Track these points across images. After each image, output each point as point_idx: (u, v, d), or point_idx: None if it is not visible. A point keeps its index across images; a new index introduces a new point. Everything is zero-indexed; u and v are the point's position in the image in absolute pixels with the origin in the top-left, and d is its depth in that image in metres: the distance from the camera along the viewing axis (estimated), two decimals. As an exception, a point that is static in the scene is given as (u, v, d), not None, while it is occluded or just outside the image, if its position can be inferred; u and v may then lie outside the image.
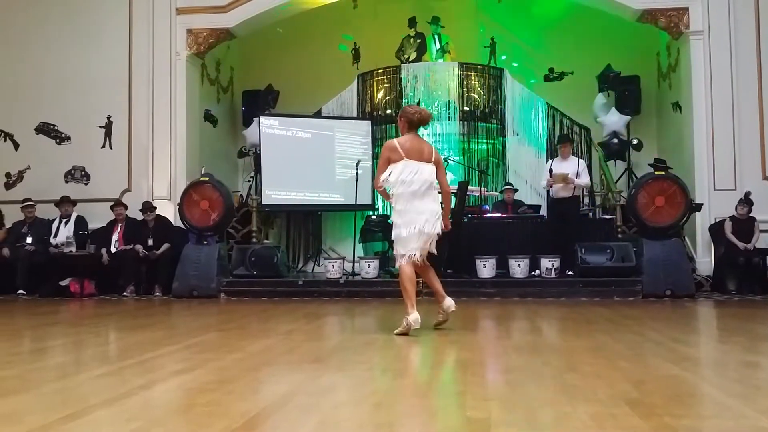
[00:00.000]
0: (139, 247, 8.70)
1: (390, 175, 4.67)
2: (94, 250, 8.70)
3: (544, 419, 2.49)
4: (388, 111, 10.53)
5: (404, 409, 2.61)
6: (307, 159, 9.78)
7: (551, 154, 9.79)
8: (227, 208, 8.68)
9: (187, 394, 2.87)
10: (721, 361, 3.83)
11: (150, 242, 8.77)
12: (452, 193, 8.52)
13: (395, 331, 4.71)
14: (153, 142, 9.82)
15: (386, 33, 11.31)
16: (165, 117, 9.81)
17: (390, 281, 7.84)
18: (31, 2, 10.17)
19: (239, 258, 8.55)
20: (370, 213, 9.94)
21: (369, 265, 8.32)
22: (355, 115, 10.62)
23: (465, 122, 10.22)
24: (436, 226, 4.73)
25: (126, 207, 9.14)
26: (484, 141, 10.30)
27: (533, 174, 10.05)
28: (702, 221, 8.94)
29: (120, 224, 9.02)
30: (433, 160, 4.75)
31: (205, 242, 8.51)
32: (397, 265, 4.88)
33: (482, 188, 9.49)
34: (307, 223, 10.58)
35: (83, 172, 9.99)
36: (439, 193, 4.93)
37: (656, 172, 8.19)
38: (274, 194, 9.66)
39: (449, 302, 4.81)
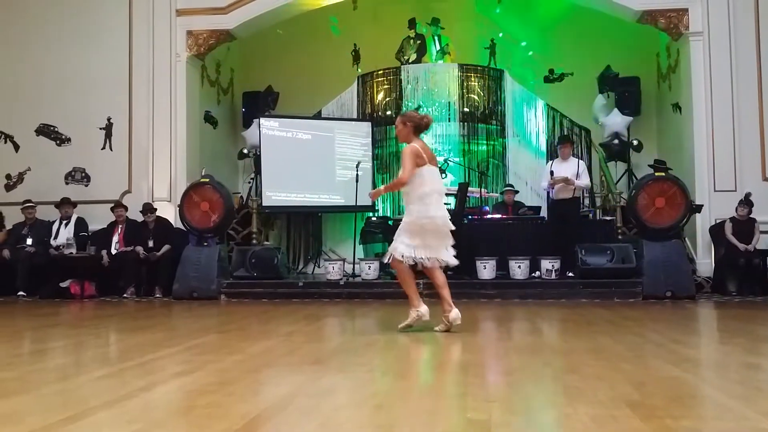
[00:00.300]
0: (140, 249, 8.70)
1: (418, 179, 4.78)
2: (95, 251, 8.70)
3: (545, 421, 2.49)
4: (388, 112, 10.54)
5: (405, 410, 2.61)
6: (308, 160, 9.78)
7: (551, 155, 9.79)
8: (227, 210, 8.68)
9: (188, 396, 2.87)
10: (722, 363, 3.82)
11: (150, 244, 8.77)
12: (451, 194, 8.67)
13: (400, 326, 4.84)
14: (153, 143, 9.83)
15: (386, 34, 11.32)
16: (165, 118, 9.82)
17: (390, 283, 7.83)
18: (31, 3, 10.18)
19: (239, 259, 8.54)
20: (371, 214, 9.94)
21: (369, 266, 8.31)
22: (355, 116, 10.63)
23: (465, 123, 10.22)
24: (448, 233, 4.91)
25: (126, 208, 9.14)
26: (484, 142, 10.30)
27: (533, 175, 10.05)
28: (702, 222, 8.94)
29: (120, 226, 9.02)
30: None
31: (205, 244, 8.51)
32: (386, 259, 4.98)
33: (482, 189, 9.49)
34: (307, 225, 10.58)
35: (83, 174, 10.00)
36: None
37: (656, 174, 8.19)
38: (274, 196, 9.66)
39: (455, 314, 4.75)
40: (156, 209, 9.07)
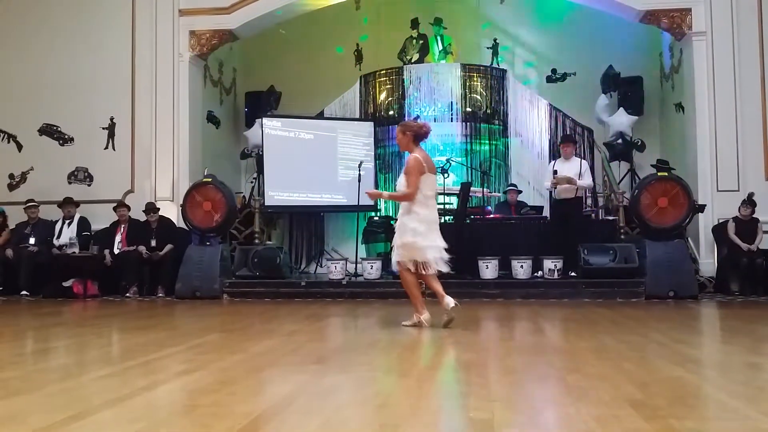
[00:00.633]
0: (142, 248, 8.70)
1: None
2: (97, 251, 8.71)
3: (548, 420, 2.49)
4: (391, 112, 10.54)
5: (408, 410, 2.61)
6: (310, 160, 9.78)
7: (554, 155, 9.78)
8: (230, 209, 8.69)
9: (190, 395, 2.88)
10: (725, 363, 3.82)
11: (153, 243, 8.78)
12: (454, 194, 8.69)
13: (404, 322, 5.06)
14: (156, 143, 9.83)
15: (389, 34, 11.31)
16: (168, 118, 9.82)
17: (393, 282, 7.82)
18: (33, 4, 10.19)
19: (242, 259, 8.55)
20: (373, 214, 9.94)
21: (371, 266, 8.31)
22: (357, 116, 10.63)
23: (467, 123, 10.22)
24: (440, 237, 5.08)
25: (129, 208, 9.15)
26: (487, 142, 10.29)
27: (535, 175, 10.04)
28: (705, 222, 8.92)
29: (123, 225, 9.03)
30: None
31: (207, 243, 8.51)
32: (394, 267, 5.22)
33: (485, 189, 9.49)
34: (309, 224, 10.58)
35: (86, 173, 10.01)
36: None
37: (659, 173, 8.18)
38: (276, 195, 9.66)
39: (449, 300, 4.91)
40: (159, 209, 9.07)
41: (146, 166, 9.85)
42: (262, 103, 10.93)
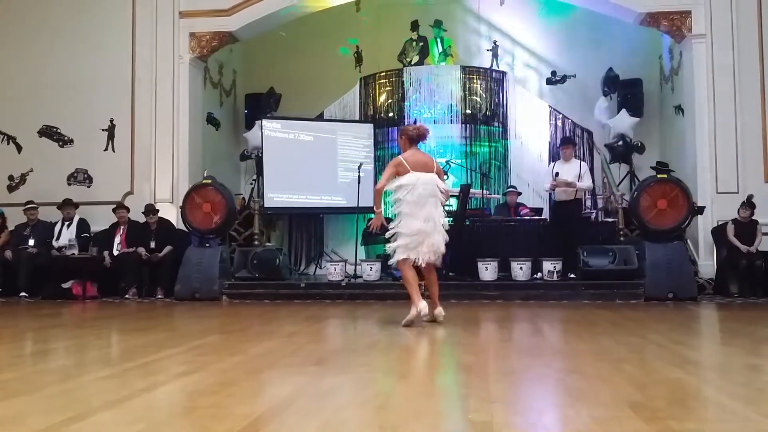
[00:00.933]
0: (142, 250, 8.70)
1: (396, 184, 5.21)
2: (97, 252, 8.71)
3: (547, 422, 2.49)
4: (390, 114, 10.55)
5: (407, 411, 2.61)
6: (310, 162, 9.79)
7: (553, 157, 9.79)
8: (229, 211, 8.69)
9: (190, 397, 2.87)
10: (725, 365, 3.82)
11: (152, 245, 8.78)
12: (453, 195, 8.69)
13: (403, 321, 5.12)
14: (155, 144, 9.84)
15: (389, 36, 11.32)
16: (167, 120, 9.83)
17: (392, 284, 7.84)
18: (33, 5, 10.20)
19: (241, 260, 8.55)
20: (372, 216, 9.92)
21: (371, 267, 8.31)
22: (357, 118, 10.63)
23: (467, 125, 10.23)
24: (441, 233, 5.26)
25: (128, 210, 9.15)
26: (486, 144, 10.30)
27: (535, 177, 10.04)
28: (704, 224, 8.93)
29: (122, 227, 9.03)
30: (435, 170, 5.35)
31: (207, 245, 8.51)
32: (392, 262, 5.45)
33: (484, 191, 9.49)
34: (309, 226, 10.59)
35: (86, 175, 10.01)
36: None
37: (659, 175, 8.18)
38: (276, 197, 9.66)
39: (439, 311, 5.27)
40: (158, 210, 9.08)
41: (146, 168, 9.85)
42: (262, 105, 10.95)
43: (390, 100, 10.61)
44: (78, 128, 10.02)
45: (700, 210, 8.61)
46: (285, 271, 8.71)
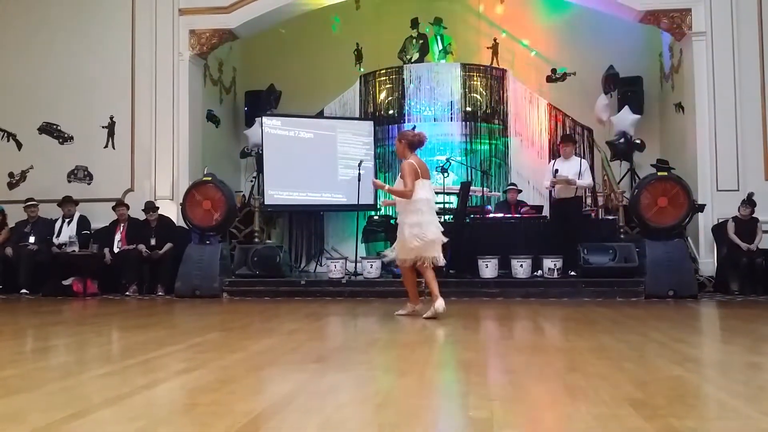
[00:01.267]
0: (142, 247, 8.71)
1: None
2: (97, 249, 8.71)
3: (547, 420, 2.49)
4: (391, 111, 10.55)
5: (407, 409, 2.61)
6: (310, 159, 9.78)
7: (554, 154, 9.78)
8: (230, 208, 8.69)
9: (190, 394, 2.88)
10: (725, 362, 3.82)
11: (153, 242, 8.78)
12: (454, 193, 8.71)
13: (398, 312, 5.65)
14: (156, 142, 9.84)
15: (389, 34, 11.31)
16: (168, 117, 9.82)
17: (392, 281, 7.84)
18: (33, 4, 10.19)
19: (242, 258, 8.55)
20: (372, 213, 9.94)
21: (371, 265, 8.31)
22: (357, 115, 10.62)
23: (467, 123, 10.22)
24: (439, 234, 5.54)
25: (128, 207, 9.15)
26: (487, 141, 10.29)
27: (535, 175, 10.03)
28: (705, 222, 8.92)
29: (122, 224, 9.03)
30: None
31: (207, 242, 8.52)
32: (392, 261, 5.82)
33: (485, 189, 9.49)
34: (309, 223, 10.58)
35: (86, 172, 10.01)
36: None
37: (659, 173, 8.18)
38: (276, 194, 9.66)
39: (440, 304, 5.39)
40: (158, 208, 9.08)
41: (146, 165, 9.85)
42: (262, 102, 10.93)
43: (390, 98, 10.60)
44: (78, 125, 10.02)
45: (701, 207, 8.61)
46: (285, 268, 8.72)
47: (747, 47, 9.09)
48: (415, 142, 5.61)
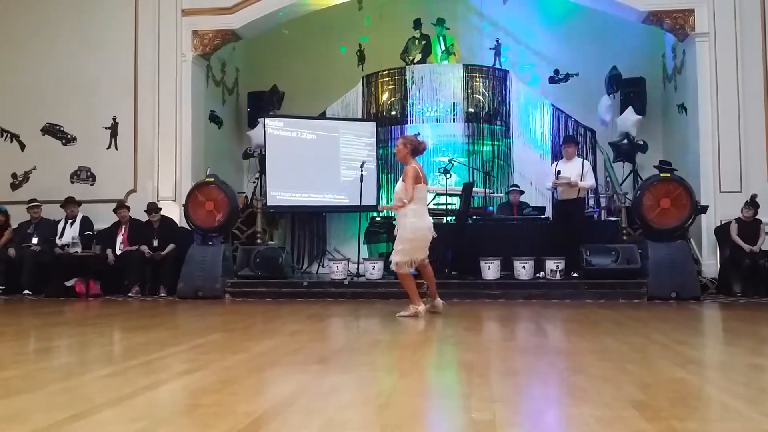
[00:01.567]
0: (145, 248, 8.71)
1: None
2: (100, 250, 8.72)
3: (550, 421, 2.49)
4: (393, 112, 10.55)
5: (409, 410, 2.61)
6: (312, 160, 9.79)
7: (556, 156, 9.77)
8: (232, 209, 8.69)
9: (192, 395, 2.88)
10: (727, 364, 3.81)
11: (155, 243, 8.78)
12: (456, 194, 8.72)
13: (400, 314, 5.70)
14: (158, 143, 9.85)
15: (391, 35, 11.31)
16: (170, 118, 9.84)
17: (394, 282, 7.80)
18: (36, 4, 10.21)
19: (244, 259, 8.55)
20: (375, 214, 9.93)
21: (373, 266, 8.30)
22: (359, 116, 10.62)
23: (470, 124, 10.21)
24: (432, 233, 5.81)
25: (129, 209, 9.15)
26: (489, 143, 10.28)
27: (538, 176, 10.03)
28: (707, 223, 8.91)
29: (124, 226, 9.03)
30: None
31: (210, 243, 8.52)
32: (393, 267, 5.81)
33: (487, 190, 9.49)
34: (311, 224, 10.58)
35: (89, 173, 10.02)
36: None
37: (662, 174, 8.17)
38: (278, 195, 9.66)
39: (439, 301, 5.89)
40: (160, 209, 9.08)
41: (149, 166, 9.86)
42: (265, 103, 10.94)
43: (392, 99, 10.60)
44: (81, 126, 10.03)
45: (703, 209, 8.59)
46: (287, 269, 8.72)
47: (750, 48, 9.07)
48: (419, 150, 5.82)
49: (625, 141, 10.38)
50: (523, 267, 8.05)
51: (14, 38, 10.21)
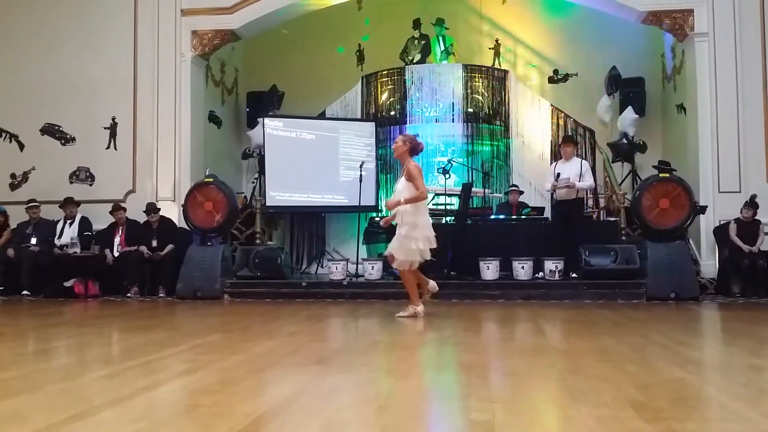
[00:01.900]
0: (143, 248, 8.70)
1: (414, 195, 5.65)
2: (99, 251, 8.72)
3: (549, 422, 2.49)
4: (392, 112, 10.54)
5: (408, 411, 2.61)
6: (311, 160, 9.78)
7: (555, 156, 9.77)
8: (231, 210, 8.69)
9: (191, 395, 2.88)
10: (726, 365, 3.82)
11: (154, 243, 8.78)
12: (455, 194, 8.71)
13: (398, 314, 5.70)
14: (157, 143, 9.84)
15: (390, 35, 11.31)
16: (169, 118, 9.83)
17: (393, 283, 7.82)
18: (36, 4, 10.20)
19: (243, 259, 8.55)
20: (374, 215, 9.94)
21: (372, 266, 8.30)
22: (359, 116, 10.62)
23: (469, 124, 10.21)
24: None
25: (125, 210, 9.13)
26: (488, 143, 10.29)
27: (537, 176, 10.03)
28: (706, 224, 8.91)
29: (121, 227, 9.01)
30: None
31: (209, 243, 8.51)
32: (395, 266, 5.83)
33: (486, 190, 9.49)
34: (310, 225, 10.57)
35: (88, 173, 10.02)
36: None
37: (661, 175, 8.17)
38: (278, 195, 9.66)
39: (433, 284, 5.91)
40: (159, 209, 9.07)
41: (148, 166, 9.85)
42: (264, 103, 10.93)
43: (392, 99, 10.60)
44: (80, 126, 10.02)
45: (702, 209, 8.60)
46: (286, 270, 8.72)
47: (749, 48, 9.08)
48: (417, 150, 5.87)
49: (624, 141, 10.39)
50: (522, 267, 8.05)
51: (14, 38, 10.20)
